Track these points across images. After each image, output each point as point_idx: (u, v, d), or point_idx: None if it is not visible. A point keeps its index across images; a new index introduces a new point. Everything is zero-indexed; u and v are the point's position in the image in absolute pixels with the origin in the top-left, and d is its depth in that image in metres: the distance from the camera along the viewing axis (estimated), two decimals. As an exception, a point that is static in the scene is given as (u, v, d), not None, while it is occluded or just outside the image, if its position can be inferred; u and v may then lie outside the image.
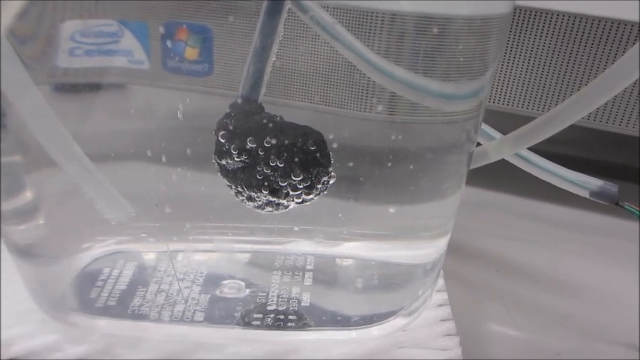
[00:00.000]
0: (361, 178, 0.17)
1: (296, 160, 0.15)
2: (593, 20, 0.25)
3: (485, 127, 0.21)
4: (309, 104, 0.18)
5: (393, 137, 0.16)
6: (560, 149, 0.24)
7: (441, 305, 0.18)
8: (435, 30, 0.15)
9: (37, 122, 0.15)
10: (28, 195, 0.17)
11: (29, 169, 0.17)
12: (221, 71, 0.17)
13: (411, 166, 0.17)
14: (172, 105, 0.18)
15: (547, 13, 0.25)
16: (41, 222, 0.18)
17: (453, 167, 0.17)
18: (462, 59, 0.15)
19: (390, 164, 0.16)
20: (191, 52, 0.17)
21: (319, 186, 0.16)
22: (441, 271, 0.20)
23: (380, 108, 0.17)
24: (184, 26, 0.17)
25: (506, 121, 0.27)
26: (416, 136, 0.17)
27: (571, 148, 0.31)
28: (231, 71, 0.17)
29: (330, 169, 0.16)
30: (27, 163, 0.16)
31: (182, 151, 0.17)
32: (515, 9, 0.26)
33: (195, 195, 0.18)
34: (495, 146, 0.21)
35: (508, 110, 0.28)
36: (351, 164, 0.16)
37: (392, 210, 0.17)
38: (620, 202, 0.19)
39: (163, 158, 0.17)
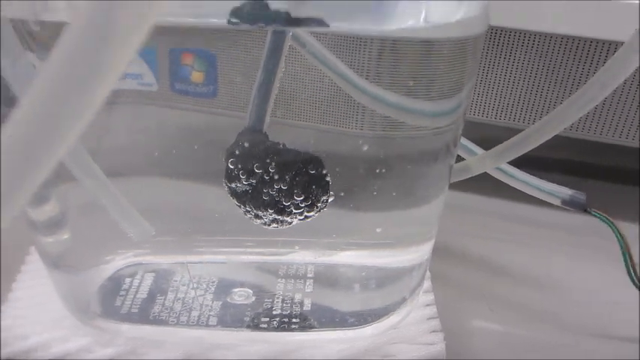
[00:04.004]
0: (343, 193, 0.18)
1: (298, 182, 0.17)
2: (568, 39, 0.27)
3: (468, 143, 0.23)
4: (304, 123, 0.20)
5: (380, 152, 0.18)
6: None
7: (428, 305, 0.21)
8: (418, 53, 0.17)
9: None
10: (56, 209, 0.19)
11: (57, 183, 0.18)
12: (225, 93, 0.19)
13: (397, 179, 0.18)
14: (182, 124, 0.20)
15: (530, 34, 0.27)
16: (68, 235, 0.20)
17: (435, 177, 0.19)
18: (440, 79, 0.17)
19: (376, 179, 0.18)
20: (197, 76, 0.19)
21: (319, 204, 0.18)
22: (428, 273, 0.22)
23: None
24: (191, 52, 0.19)
25: (490, 132, 0.29)
26: (400, 150, 0.19)
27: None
28: (234, 93, 0.19)
29: (330, 191, 0.18)
30: (55, 177, 0.18)
31: (194, 170, 0.19)
32: (503, 30, 0.28)
33: (207, 211, 0.19)
34: (478, 160, 0.23)
35: (494, 122, 0.30)
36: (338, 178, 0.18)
37: (380, 220, 0.19)
38: (588, 209, 0.21)
39: (177, 176, 0.19)
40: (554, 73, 0.28)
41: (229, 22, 0.15)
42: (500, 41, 0.28)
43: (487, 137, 0.25)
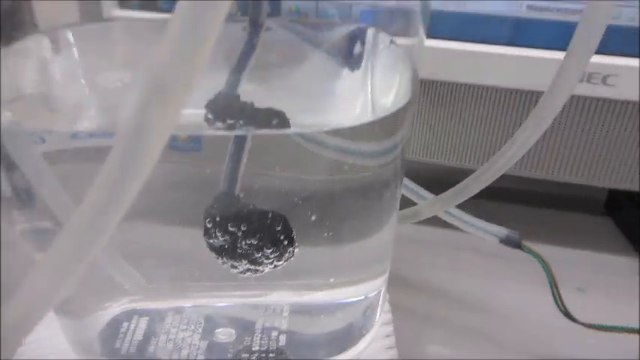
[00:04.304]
0: (302, 241, 0.21)
1: (267, 239, 0.20)
2: (506, 91, 0.30)
3: (419, 189, 0.26)
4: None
5: (332, 193, 0.21)
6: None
7: (387, 336, 0.24)
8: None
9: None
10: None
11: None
12: (209, 148, 0.21)
13: (347, 219, 0.21)
14: (169, 177, 0.23)
15: (472, 87, 0.31)
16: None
17: (383, 214, 0.22)
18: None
19: (326, 221, 0.20)
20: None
21: (286, 255, 0.21)
22: (389, 306, 0.25)
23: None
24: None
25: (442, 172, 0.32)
26: (347, 191, 0.21)
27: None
28: (217, 148, 0.21)
29: (295, 242, 0.21)
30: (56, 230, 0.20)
31: (182, 221, 0.22)
32: (451, 83, 0.31)
33: (194, 259, 0.22)
34: (429, 205, 0.26)
35: (446, 164, 0.33)
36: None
37: (335, 260, 0.22)
38: (522, 247, 0.24)
39: (165, 226, 0.21)
40: (498, 119, 0.32)
41: (206, 118, 0.18)
42: (449, 93, 0.32)
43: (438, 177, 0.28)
